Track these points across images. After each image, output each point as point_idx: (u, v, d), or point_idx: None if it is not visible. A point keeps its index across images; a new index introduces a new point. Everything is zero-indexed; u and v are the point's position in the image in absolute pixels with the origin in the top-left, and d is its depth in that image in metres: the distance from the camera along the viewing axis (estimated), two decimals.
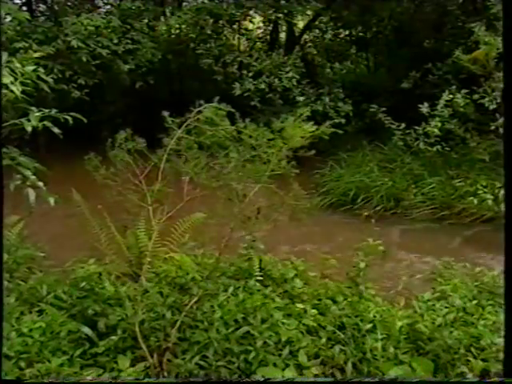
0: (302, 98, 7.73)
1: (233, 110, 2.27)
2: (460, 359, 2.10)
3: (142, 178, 2.03)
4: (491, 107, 5.48)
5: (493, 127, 5.39)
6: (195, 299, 2.64)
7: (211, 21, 8.89)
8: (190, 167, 1.94)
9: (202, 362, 2.27)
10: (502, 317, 2.67)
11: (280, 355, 2.29)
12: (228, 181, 1.88)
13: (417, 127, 6.21)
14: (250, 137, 2.20)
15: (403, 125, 6.41)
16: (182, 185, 2.24)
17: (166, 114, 2.22)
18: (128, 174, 2.12)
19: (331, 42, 12.27)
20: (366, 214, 4.20)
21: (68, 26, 7.25)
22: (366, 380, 2.11)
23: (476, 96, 5.86)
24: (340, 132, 7.62)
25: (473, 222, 5.38)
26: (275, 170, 1.98)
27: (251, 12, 9.26)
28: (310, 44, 12.21)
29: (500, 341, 2.31)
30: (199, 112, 2.23)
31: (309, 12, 9.73)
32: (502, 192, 5.35)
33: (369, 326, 2.42)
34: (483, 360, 2.11)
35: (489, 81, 5.29)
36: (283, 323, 2.44)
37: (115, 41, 7.53)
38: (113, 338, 2.41)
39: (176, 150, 2.15)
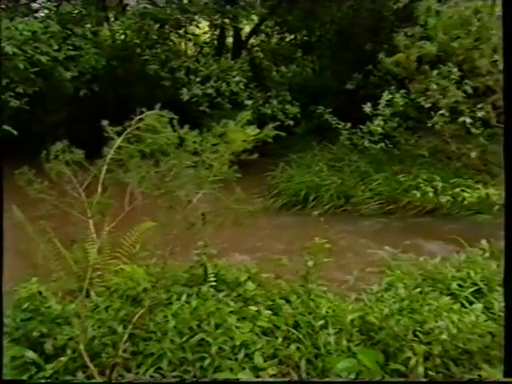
0: (250, 102, 7.81)
1: (175, 117, 2.25)
2: (406, 345, 2.20)
3: (81, 191, 1.96)
4: (426, 106, 5.80)
5: (429, 124, 5.71)
6: (146, 310, 2.59)
7: (156, 26, 8.78)
8: (131, 176, 1.90)
9: (156, 374, 2.23)
10: (444, 301, 2.84)
11: (236, 359, 2.29)
12: (170, 188, 1.86)
13: (362, 126, 6.47)
14: (194, 142, 2.20)
15: (349, 124, 6.66)
16: (126, 195, 2.19)
17: (105, 122, 2.17)
18: (67, 187, 2.04)
19: (277, 46, 12.51)
20: (315, 213, 4.31)
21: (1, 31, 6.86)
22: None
23: (413, 95, 6.21)
24: (288, 134, 7.83)
25: (417, 213, 5.69)
26: (218, 175, 1.98)
27: (197, 17, 9.24)
28: (256, 48, 12.37)
29: (442, 323, 2.46)
30: (140, 120, 2.20)
31: (254, 17, 9.89)
32: (441, 184, 5.70)
33: (321, 322, 2.48)
34: (428, 343, 2.23)
35: (412, 82, 5.60)
36: (237, 327, 2.45)
37: (55, 47, 7.20)
38: (61, 359, 2.31)
39: (118, 160, 2.10)
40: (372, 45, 9.32)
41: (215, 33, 11.23)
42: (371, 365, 2.03)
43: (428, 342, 2.25)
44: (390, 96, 6.30)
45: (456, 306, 2.78)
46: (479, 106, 5.19)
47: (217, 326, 2.44)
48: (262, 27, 11.24)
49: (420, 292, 3.03)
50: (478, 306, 2.69)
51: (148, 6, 9.00)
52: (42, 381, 2.20)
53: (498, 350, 2.18)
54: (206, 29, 11.28)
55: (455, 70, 5.31)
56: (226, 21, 8.84)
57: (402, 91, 6.30)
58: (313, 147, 7.53)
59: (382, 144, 6.28)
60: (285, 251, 3.33)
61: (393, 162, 6.49)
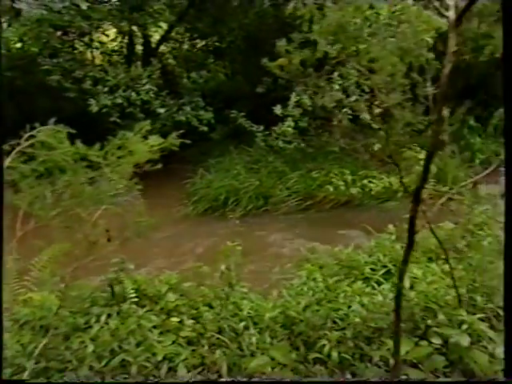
0: (162, 110, 7.67)
1: (73, 131, 2.13)
2: (322, 333, 2.32)
3: None
4: (331, 105, 6.15)
5: (335, 122, 6.06)
6: (62, 339, 2.42)
7: (58, 33, 8.24)
8: (21, 198, 1.76)
9: None
10: (357, 286, 3.04)
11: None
12: (67, 207, 1.76)
13: (274, 128, 6.67)
14: (98, 156, 2.10)
15: (262, 127, 6.83)
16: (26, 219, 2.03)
17: None
18: None
19: (189, 53, 12.44)
20: (231, 216, 4.36)
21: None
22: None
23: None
24: (205, 140, 7.76)
25: (333, 206, 6.03)
26: (119, 189, 1.92)
27: (104, 24, 8.84)
28: (168, 55, 12.20)
29: (356, 307, 2.62)
30: (32, 136, 2.05)
31: (163, 24, 9.74)
32: (351, 177, 6.11)
33: (243, 324, 2.51)
34: (342, 329, 2.37)
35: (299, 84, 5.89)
36: (160, 341, 2.39)
37: None
38: None
39: (9, 181, 1.94)
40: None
41: (124, 40, 10.84)
42: (283, 359, 2.10)
43: (344, 327, 2.39)
44: (298, 97, 6.58)
45: (368, 289, 2.99)
46: (376, 103, 5.61)
47: (138, 344, 2.36)
48: (173, 34, 11.11)
49: (337, 280, 3.22)
50: (387, 286, 2.91)
51: (44, 11, 8.42)
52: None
53: (409, 323, 2.38)
54: (115, 36, 10.86)
55: (353, 71, 5.70)
56: (134, 28, 8.57)
57: (309, 92, 6.63)
58: (231, 151, 7.61)
59: (295, 143, 6.53)
60: (206, 257, 3.32)
61: (306, 159, 6.80)
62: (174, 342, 2.43)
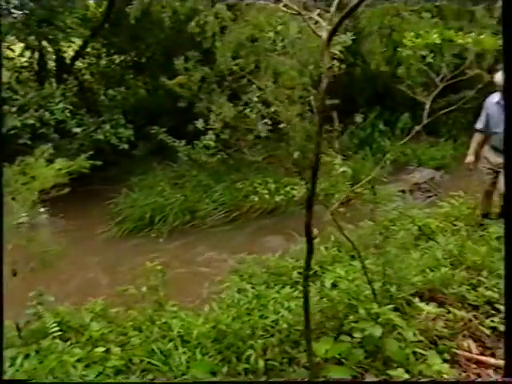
0: (79, 129, 7.30)
1: None
2: (248, 343, 2.35)
3: None
4: (253, 116, 6.31)
5: (256, 133, 6.22)
6: None
7: None
8: None
9: None
10: (285, 291, 3.12)
11: None
12: None
13: (196, 141, 6.66)
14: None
15: (183, 141, 6.78)
16: None
17: None
18: None
19: (107, 69, 12.01)
20: (153, 235, 4.27)
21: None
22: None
23: (240, 108, 6.68)
24: (128, 158, 7.50)
25: (259, 216, 6.15)
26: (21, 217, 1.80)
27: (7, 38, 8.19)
28: (84, 71, 11.65)
29: (284, 313, 2.70)
30: None
31: (77, 39, 9.32)
32: (274, 186, 6.26)
33: (170, 344, 2.46)
34: (270, 336, 2.42)
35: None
36: (84, 375, 2.25)
37: None
38: None
39: None
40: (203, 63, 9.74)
41: (34, 56, 10.14)
42: (203, 375, 2.09)
43: (272, 333, 2.44)
44: (220, 110, 6.65)
45: (296, 293, 3.08)
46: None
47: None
48: (88, 49, 10.65)
49: (267, 288, 3.28)
50: (312, 289, 3.02)
51: None
52: None
53: (333, 321, 2.50)
54: (24, 52, 10.10)
55: (269, 83, 5.91)
56: (45, 43, 8.07)
57: (230, 105, 6.72)
58: (154, 168, 7.44)
59: (219, 156, 6.57)
60: (132, 279, 3.20)
61: (231, 171, 6.87)
62: (99, 374, 2.30)
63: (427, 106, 2.43)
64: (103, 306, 3.00)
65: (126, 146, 7.11)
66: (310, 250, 1.94)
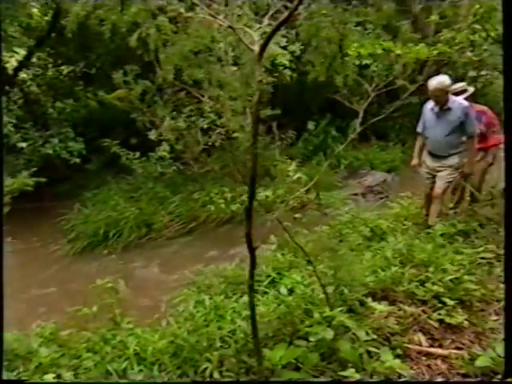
0: (24, 144, 6.98)
1: None
2: (204, 355, 2.33)
3: None
4: (205, 126, 6.31)
5: (210, 143, 6.22)
6: None
7: None
8: None
9: None
10: (243, 300, 3.12)
11: None
12: None
13: (151, 153, 6.57)
14: None
15: (138, 154, 6.66)
16: None
17: None
18: None
19: (55, 80, 11.54)
20: (105, 251, 4.14)
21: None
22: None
23: (193, 118, 6.66)
24: (81, 172, 7.25)
25: (216, 225, 6.13)
26: None
27: None
28: (30, 83, 11.13)
29: (242, 322, 2.70)
30: None
31: (19, 49, 8.91)
32: (230, 195, 6.30)
33: (126, 363, 2.40)
34: (228, 347, 2.42)
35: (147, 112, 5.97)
36: None
37: None
38: None
39: None
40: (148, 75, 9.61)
41: None
42: None
43: (230, 344, 2.43)
44: (173, 121, 6.59)
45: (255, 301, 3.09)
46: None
47: None
48: (34, 60, 10.19)
49: (225, 298, 3.27)
50: (270, 296, 3.04)
51: None
52: None
53: (290, 327, 2.53)
54: None
55: (221, 92, 5.95)
56: None
57: (184, 115, 6.68)
58: (108, 182, 7.24)
59: (174, 167, 6.51)
60: (86, 299, 3.08)
61: (187, 182, 6.82)
62: None
63: (360, 115, 2.54)
64: (53, 330, 2.86)
65: (77, 160, 6.87)
66: (253, 260, 1.96)
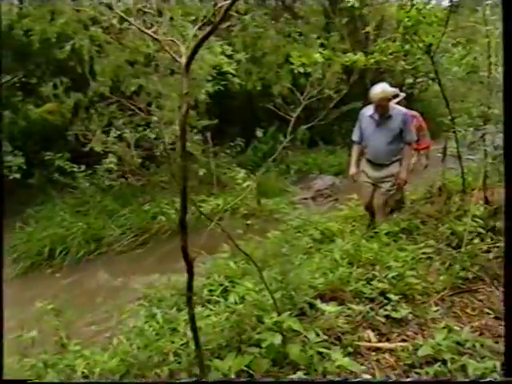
0: None
1: None
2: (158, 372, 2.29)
3: None
4: (153, 136, 6.22)
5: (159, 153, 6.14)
6: None
7: None
8: None
9: None
10: (196, 311, 3.08)
11: None
12: None
13: (97, 166, 6.36)
14: None
15: (83, 167, 6.43)
16: None
17: None
18: None
19: None
20: (48, 271, 3.96)
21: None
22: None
23: (140, 129, 6.55)
24: (23, 188, 6.87)
25: (169, 236, 6.03)
26: None
27: None
28: None
29: (189, 333, 2.66)
30: None
31: None
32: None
33: None
34: (178, 362, 2.39)
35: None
36: None
37: None
38: None
39: None
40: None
41: None
42: None
43: (182, 357, 2.40)
44: (118, 132, 6.44)
45: (207, 312, 3.07)
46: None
47: None
48: None
49: (177, 310, 3.22)
50: (221, 307, 3.03)
51: None
52: None
53: (243, 335, 2.53)
54: None
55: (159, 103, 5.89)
56: None
57: (130, 126, 6.54)
58: (53, 197, 6.90)
59: (122, 179, 6.35)
60: (28, 323, 2.91)
61: (137, 193, 6.66)
62: None
63: (292, 123, 2.63)
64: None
65: (17, 176, 6.49)
66: (190, 273, 1.96)
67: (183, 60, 1.56)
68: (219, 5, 1.38)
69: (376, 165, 4.42)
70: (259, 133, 8.73)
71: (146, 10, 1.80)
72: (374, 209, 4.61)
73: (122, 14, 1.67)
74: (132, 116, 5.15)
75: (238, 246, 2.54)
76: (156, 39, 1.68)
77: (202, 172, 5.68)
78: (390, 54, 4.40)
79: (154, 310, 3.22)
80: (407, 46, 4.34)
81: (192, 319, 1.92)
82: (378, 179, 4.43)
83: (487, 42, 3.80)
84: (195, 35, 1.60)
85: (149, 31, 1.67)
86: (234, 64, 6.91)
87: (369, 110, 4.34)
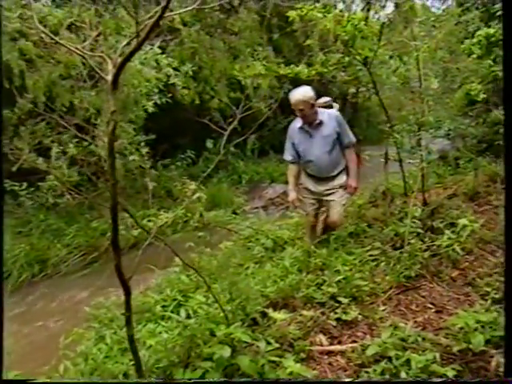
0: None
1: None
2: None
3: None
4: (102, 153, 6.03)
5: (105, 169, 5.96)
6: None
7: None
8: None
9: None
10: (147, 329, 3.01)
11: None
12: None
13: (40, 183, 6.05)
14: None
15: (25, 184, 6.09)
16: None
17: None
18: None
19: None
20: None
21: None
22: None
23: (85, 143, 6.33)
24: None
25: (121, 253, 5.83)
26: None
27: None
28: None
29: (146, 352, 2.60)
30: None
31: None
32: (130, 220, 6.05)
33: None
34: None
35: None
36: None
37: None
38: None
39: None
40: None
41: None
42: None
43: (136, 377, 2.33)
44: (61, 147, 6.19)
45: (159, 329, 3.01)
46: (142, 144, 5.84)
47: None
48: None
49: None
50: (174, 323, 2.97)
51: None
52: None
53: (196, 349, 2.50)
54: None
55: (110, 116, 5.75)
56: None
57: (75, 140, 6.30)
58: None
59: (68, 196, 6.08)
60: None
61: (84, 210, 6.42)
62: None
63: (225, 138, 2.69)
64: None
65: None
66: (127, 292, 1.92)
67: (109, 77, 1.54)
68: (145, 22, 1.39)
69: (320, 179, 3.99)
70: (209, 144, 8.73)
71: (78, 24, 1.77)
72: (316, 230, 4.28)
73: (44, 30, 1.63)
74: (60, 134, 4.99)
75: (183, 261, 2.53)
76: (82, 56, 1.65)
77: (151, 186, 5.54)
78: (331, 65, 4.57)
79: (103, 331, 3.10)
80: (347, 58, 4.55)
81: (131, 340, 1.87)
82: (324, 194, 4.00)
83: (416, 56, 4.07)
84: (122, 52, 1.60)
85: (75, 46, 1.64)
86: (182, 76, 6.90)
87: (297, 123, 3.91)
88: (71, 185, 5.69)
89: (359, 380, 2.31)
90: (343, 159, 3.97)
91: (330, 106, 4.30)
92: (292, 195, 4.03)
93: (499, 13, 5.03)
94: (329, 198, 3.99)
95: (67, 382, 2.09)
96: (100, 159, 5.74)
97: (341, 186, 3.96)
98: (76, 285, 5.18)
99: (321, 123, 3.80)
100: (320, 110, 3.85)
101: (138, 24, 1.33)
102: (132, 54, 1.46)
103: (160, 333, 2.81)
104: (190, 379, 2.08)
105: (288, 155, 4.01)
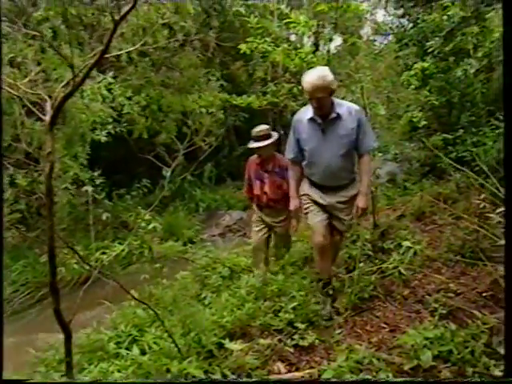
0: None
1: None
2: None
3: None
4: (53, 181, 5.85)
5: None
6: None
7: None
8: None
9: None
10: (98, 370, 2.87)
11: None
12: None
13: None
14: None
15: None
16: None
17: None
18: None
19: None
20: None
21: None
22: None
23: (36, 174, 6.11)
24: None
25: (71, 289, 5.57)
26: None
27: None
28: None
29: None
30: None
31: None
32: (83, 253, 5.84)
33: None
34: None
35: None
36: None
37: None
38: None
39: None
40: None
41: None
42: None
43: None
44: (9, 179, 5.95)
45: (111, 368, 2.87)
46: (96, 174, 5.73)
47: None
48: None
49: (79, 371, 2.96)
50: (127, 361, 2.85)
51: None
52: None
53: None
54: None
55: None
56: None
57: (23, 171, 6.07)
58: None
59: (14, 230, 5.80)
60: None
61: (32, 245, 6.11)
62: None
63: (169, 173, 2.71)
64: None
65: None
66: (67, 336, 1.86)
67: (47, 118, 1.53)
68: (86, 63, 1.40)
69: (329, 189, 3.20)
70: (165, 172, 8.67)
71: (20, 59, 1.75)
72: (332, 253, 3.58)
73: None
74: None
75: (133, 296, 2.47)
76: (19, 97, 1.64)
77: (105, 216, 5.41)
78: (282, 95, 4.76)
79: (52, 375, 2.92)
80: (298, 87, 4.74)
81: None
82: (335, 207, 3.22)
83: (361, 86, 4.32)
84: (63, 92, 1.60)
85: (15, 83, 1.62)
86: (136, 106, 6.90)
87: (306, 113, 3.05)
88: (16, 219, 5.48)
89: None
90: (356, 167, 3.20)
91: (269, 136, 3.83)
92: (294, 203, 3.32)
93: (431, 49, 5.49)
94: (337, 212, 3.24)
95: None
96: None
97: (354, 198, 3.19)
98: (22, 325, 4.87)
99: (338, 118, 2.97)
100: (338, 101, 3.04)
101: (72, 68, 1.34)
102: (69, 95, 1.46)
103: (113, 372, 2.68)
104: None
105: (290, 153, 3.25)
